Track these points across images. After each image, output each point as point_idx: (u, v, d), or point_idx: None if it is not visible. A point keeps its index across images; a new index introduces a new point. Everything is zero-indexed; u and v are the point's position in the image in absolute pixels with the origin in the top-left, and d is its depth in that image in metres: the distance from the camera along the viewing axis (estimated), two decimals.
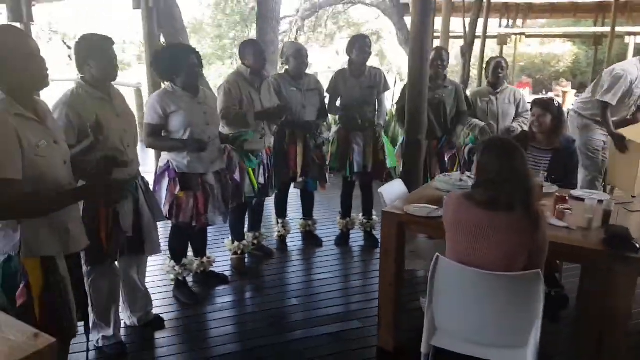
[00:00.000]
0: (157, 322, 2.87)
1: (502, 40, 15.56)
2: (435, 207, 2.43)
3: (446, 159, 3.95)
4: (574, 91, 15.55)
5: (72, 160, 1.91)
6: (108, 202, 2.16)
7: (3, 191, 1.54)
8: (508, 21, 15.84)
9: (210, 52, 14.41)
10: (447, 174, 2.81)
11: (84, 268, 2.30)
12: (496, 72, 4.04)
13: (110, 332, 2.58)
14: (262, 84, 3.46)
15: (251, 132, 3.23)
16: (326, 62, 19.17)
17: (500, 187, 1.86)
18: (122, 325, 2.74)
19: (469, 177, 2.67)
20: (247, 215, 3.78)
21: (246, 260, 3.79)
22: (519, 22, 15.88)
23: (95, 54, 2.29)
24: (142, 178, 2.63)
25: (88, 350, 2.20)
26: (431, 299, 1.98)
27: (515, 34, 15.26)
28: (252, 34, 13.37)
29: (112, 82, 2.41)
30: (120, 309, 2.71)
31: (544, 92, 17.17)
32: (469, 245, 1.89)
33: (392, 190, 2.90)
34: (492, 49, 17.74)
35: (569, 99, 14.84)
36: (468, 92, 4.33)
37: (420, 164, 3.52)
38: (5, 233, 1.66)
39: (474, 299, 1.89)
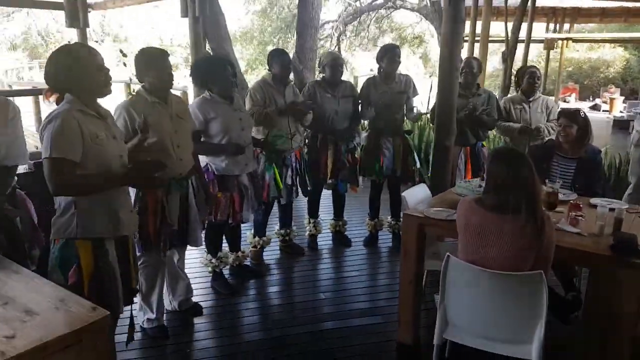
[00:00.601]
0: (196, 309, 3.14)
1: (549, 45, 15.27)
2: (453, 210, 2.56)
3: (484, 167, 4.03)
4: (622, 98, 15.10)
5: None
6: (147, 186, 2.41)
7: (62, 169, 1.85)
8: (555, 25, 15.51)
9: (254, 57, 14.86)
10: (467, 180, 2.94)
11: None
12: (531, 81, 4.07)
13: (153, 315, 2.85)
14: (287, 88, 3.69)
15: (284, 136, 3.52)
16: (369, 65, 19.33)
17: (508, 193, 2.00)
18: (164, 309, 3.01)
19: None
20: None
21: (278, 256, 4.05)
22: (566, 26, 15.52)
23: (153, 65, 2.59)
24: (197, 177, 2.90)
25: (132, 330, 2.42)
26: (443, 295, 2.14)
27: (562, 39, 14.94)
28: (295, 39, 13.72)
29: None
30: (164, 295, 2.98)
31: (591, 99, 16.74)
32: (478, 247, 2.04)
33: (415, 194, 3.05)
34: (536, 53, 17.43)
35: (617, 106, 14.44)
36: (501, 100, 4.39)
37: (447, 169, 3.64)
38: (65, 219, 1.96)
39: (482, 296, 2.03)
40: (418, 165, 4.12)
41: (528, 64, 6.19)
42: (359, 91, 4.09)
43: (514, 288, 1.97)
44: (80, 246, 1.98)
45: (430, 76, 21.37)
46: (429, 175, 4.17)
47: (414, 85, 4.04)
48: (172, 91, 2.77)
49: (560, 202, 2.71)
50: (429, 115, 4.69)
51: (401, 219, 4.17)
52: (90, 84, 1.97)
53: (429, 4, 10.96)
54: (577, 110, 3.27)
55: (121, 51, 5.52)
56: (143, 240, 2.60)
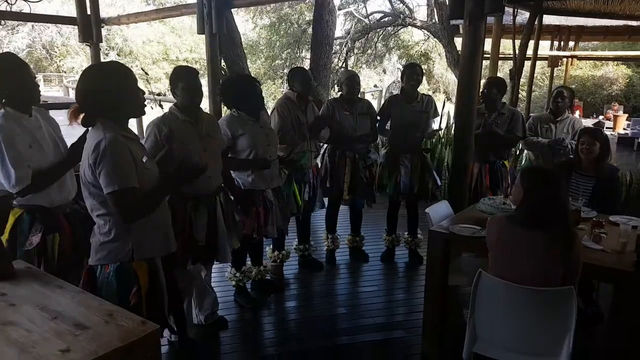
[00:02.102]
0: (222, 323, 3.20)
1: (553, 62, 15.41)
2: (478, 227, 2.63)
3: (503, 185, 4.11)
4: (626, 115, 15.19)
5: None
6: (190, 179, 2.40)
7: (131, 197, 1.87)
8: (560, 43, 15.67)
9: (262, 71, 15.03)
10: (491, 197, 3.00)
11: None
12: (555, 101, 4.13)
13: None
14: (308, 106, 3.79)
15: (307, 153, 3.62)
16: (373, 81, 19.48)
17: (540, 209, 2.07)
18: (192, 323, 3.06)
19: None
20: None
21: (296, 270, 4.10)
22: (571, 44, 15.68)
23: (181, 82, 2.68)
24: (225, 194, 2.97)
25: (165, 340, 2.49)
26: (473, 310, 2.19)
27: (567, 57, 15.08)
28: (303, 55, 13.88)
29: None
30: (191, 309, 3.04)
31: (594, 116, 16.83)
32: (509, 262, 2.10)
33: (438, 211, 3.11)
34: (540, 71, 17.58)
35: (621, 123, 14.51)
36: (529, 119, 4.43)
37: (465, 187, 3.70)
38: (119, 243, 1.97)
39: (512, 311, 2.09)
40: (439, 183, 4.17)
41: (535, 81, 6.25)
42: (380, 107, 4.18)
43: (546, 303, 2.03)
44: (138, 267, 2.00)
45: (433, 92, 21.59)
46: (444, 195, 4.23)
47: (435, 106, 4.12)
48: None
49: (582, 219, 2.77)
50: (441, 133, 4.74)
51: (418, 236, 4.29)
52: (127, 105, 1.96)
53: (437, 21, 11.10)
54: (599, 129, 3.34)
55: (143, 69, 5.62)
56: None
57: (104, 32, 6.66)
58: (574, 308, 1.96)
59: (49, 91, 19.30)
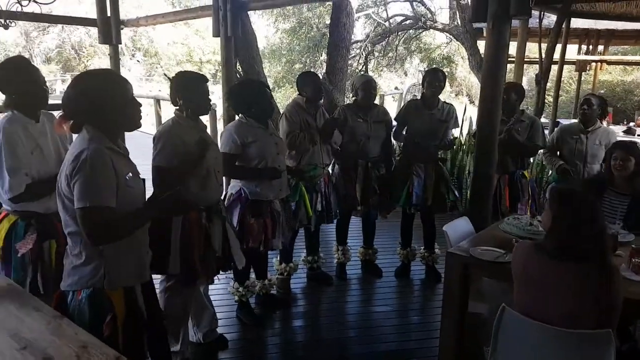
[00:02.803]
0: (221, 341, 3.00)
1: (581, 67, 14.93)
2: (502, 251, 2.38)
3: (524, 197, 3.85)
4: None
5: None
6: (176, 212, 2.33)
7: (102, 216, 1.67)
8: (588, 47, 15.17)
9: (281, 75, 14.92)
10: (516, 216, 2.75)
11: (160, 285, 2.49)
12: (582, 108, 3.80)
13: (177, 347, 2.71)
14: (318, 112, 3.60)
15: (319, 168, 3.46)
16: (394, 83, 19.25)
17: (573, 239, 1.81)
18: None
19: (539, 221, 2.59)
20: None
21: (304, 284, 3.88)
22: (600, 48, 15.16)
23: (190, 90, 2.53)
24: (222, 202, 2.83)
25: None
26: (495, 348, 1.94)
27: (596, 61, 14.58)
28: (323, 58, 13.71)
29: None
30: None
31: (625, 122, 16.25)
32: (537, 298, 1.85)
33: (457, 229, 2.87)
34: (567, 75, 17.09)
35: None
36: (556, 129, 4.15)
37: (488, 199, 3.44)
38: (90, 267, 1.78)
39: (540, 353, 1.83)
40: (457, 195, 3.92)
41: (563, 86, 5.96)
42: (398, 112, 3.96)
43: (579, 347, 1.77)
44: (113, 294, 1.80)
45: (456, 95, 21.22)
46: (465, 205, 3.97)
47: (456, 116, 3.87)
48: None
49: (617, 244, 2.49)
50: (462, 140, 4.48)
51: (435, 251, 4.03)
52: (119, 118, 1.79)
53: (459, 24, 10.79)
54: (634, 143, 3.05)
55: (165, 74, 5.53)
56: (186, 274, 2.50)
57: (130, 33, 6.62)
58: (612, 355, 1.71)
59: None
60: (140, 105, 1.85)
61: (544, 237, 1.98)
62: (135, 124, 1.85)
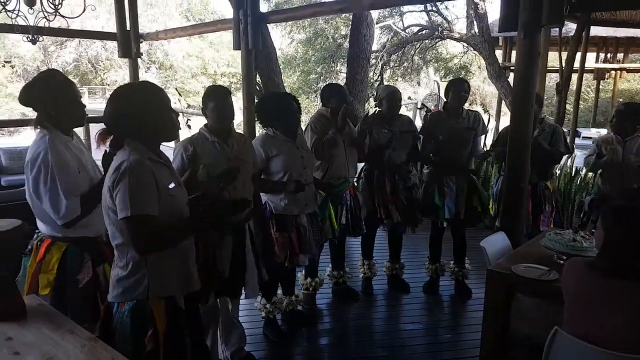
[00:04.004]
0: None
1: (599, 75, 14.74)
2: (546, 268, 2.28)
3: (547, 209, 3.75)
4: None
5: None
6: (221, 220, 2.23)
7: (145, 225, 1.65)
8: (606, 55, 14.99)
9: (297, 86, 14.96)
10: (557, 231, 2.64)
11: None
12: (614, 118, 3.67)
13: None
14: None
15: (349, 180, 3.37)
16: (407, 93, 19.22)
17: (629, 257, 1.72)
18: None
19: (583, 237, 2.49)
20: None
21: (330, 299, 3.79)
22: (619, 56, 14.97)
23: (212, 104, 2.50)
24: (256, 221, 2.74)
25: None
26: None
27: (615, 69, 14.39)
28: (338, 69, 13.71)
29: None
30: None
31: None
32: (592, 320, 1.75)
33: (495, 244, 2.77)
34: (585, 83, 16.90)
35: None
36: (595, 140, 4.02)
37: (521, 213, 3.34)
38: (135, 279, 1.75)
39: None
40: (491, 208, 3.82)
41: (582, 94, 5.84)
42: (422, 125, 3.89)
43: None
44: (154, 307, 1.75)
45: (470, 104, 21.11)
46: (495, 217, 3.87)
47: (484, 122, 3.79)
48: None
49: None
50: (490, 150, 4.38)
51: (465, 265, 3.92)
52: (160, 128, 1.78)
53: (476, 33, 10.72)
54: None
55: (177, 89, 5.55)
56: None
57: (145, 47, 6.67)
58: None
59: (92, 103, 19.92)
60: (178, 114, 1.84)
61: (597, 255, 1.88)
62: (173, 134, 1.83)
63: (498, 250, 2.70)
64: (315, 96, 14.21)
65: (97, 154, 2.17)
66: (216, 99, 2.52)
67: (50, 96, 2.08)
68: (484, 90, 21.62)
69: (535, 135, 3.57)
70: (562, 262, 2.40)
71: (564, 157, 4.35)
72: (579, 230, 2.57)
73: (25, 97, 2.10)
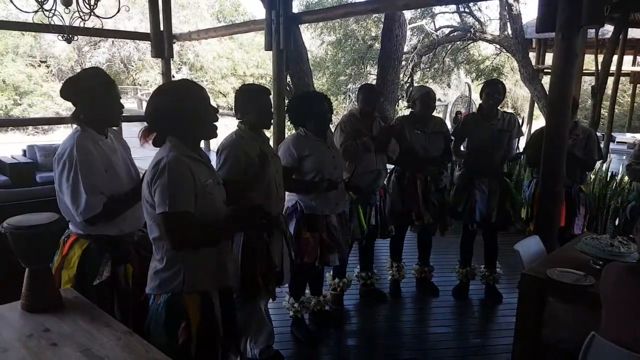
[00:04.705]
0: (277, 358, 2.93)
1: (636, 78, 14.30)
2: (582, 273, 2.22)
3: (580, 212, 3.66)
4: None
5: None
6: (259, 227, 2.27)
7: (181, 221, 1.69)
8: None
9: (326, 87, 14.99)
10: (594, 236, 2.57)
11: None
12: None
13: None
14: (373, 123, 3.53)
15: (381, 173, 3.38)
16: (437, 96, 19.05)
17: None
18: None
19: (620, 242, 2.42)
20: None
21: (357, 301, 3.78)
22: None
23: (253, 103, 2.53)
24: (283, 216, 2.81)
25: None
26: None
27: None
28: (368, 70, 13.67)
29: None
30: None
31: None
32: (631, 327, 1.69)
33: (529, 248, 2.71)
34: (621, 87, 16.41)
35: None
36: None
37: (556, 217, 3.26)
38: (171, 273, 1.79)
39: None
40: (523, 212, 3.75)
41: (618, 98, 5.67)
42: (455, 127, 3.86)
43: None
44: (189, 300, 1.80)
45: (501, 107, 20.69)
46: (527, 221, 3.80)
47: (519, 125, 3.73)
48: None
49: None
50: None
51: (497, 270, 3.86)
52: (199, 125, 1.81)
53: (509, 35, 10.53)
54: None
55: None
56: (249, 288, 2.47)
57: (177, 48, 6.78)
58: None
59: (124, 103, 20.36)
60: (217, 111, 1.86)
61: (638, 260, 1.82)
62: (213, 132, 1.87)
63: (532, 254, 2.65)
64: (344, 98, 14.22)
65: (141, 152, 2.18)
66: (264, 96, 2.56)
67: (90, 94, 2.09)
68: (515, 93, 21.24)
69: (569, 145, 3.51)
70: (598, 267, 2.35)
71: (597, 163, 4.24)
72: (617, 235, 2.49)
73: (66, 91, 2.12)
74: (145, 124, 1.87)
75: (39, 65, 19.03)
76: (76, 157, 2.00)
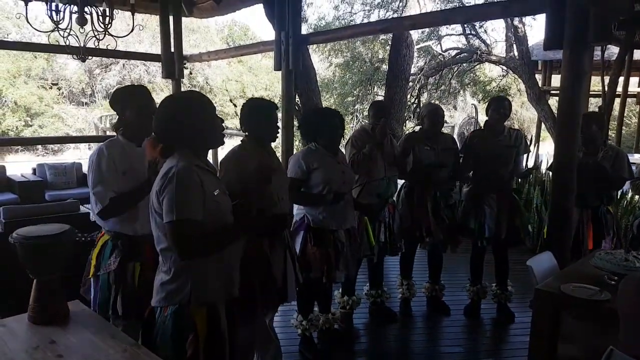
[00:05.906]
0: None
1: None
2: (597, 288, 2.18)
3: (609, 234, 3.59)
4: None
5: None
6: (268, 233, 2.33)
7: (189, 229, 1.68)
8: None
9: (333, 107, 15.07)
10: (608, 251, 2.53)
11: None
12: None
13: None
14: (385, 138, 3.50)
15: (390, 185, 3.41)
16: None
17: None
18: None
19: (635, 256, 2.38)
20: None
21: (366, 319, 3.72)
22: None
23: (260, 117, 2.54)
24: (287, 231, 2.76)
25: None
26: None
27: None
28: (375, 91, 13.77)
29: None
30: None
31: None
32: None
33: (542, 263, 2.67)
34: (628, 109, 16.36)
35: None
36: None
37: (568, 233, 3.21)
38: (178, 284, 1.77)
39: None
40: (529, 231, 3.70)
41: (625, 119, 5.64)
42: (462, 144, 3.85)
43: None
44: (196, 312, 1.77)
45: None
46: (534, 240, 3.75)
47: (526, 141, 3.72)
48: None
49: None
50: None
51: (508, 288, 3.79)
52: (206, 135, 1.83)
53: (516, 56, 10.59)
54: None
55: None
56: (244, 303, 2.40)
57: (186, 71, 6.89)
58: None
59: None
60: (223, 121, 1.89)
61: None
62: (219, 141, 1.89)
63: (545, 270, 2.60)
64: (352, 118, 14.28)
65: None
66: (271, 110, 2.58)
67: (133, 106, 2.33)
68: (522, 115, 21.22)
69: (599, 158, 3.48)
70: (613, 282, 2.30)
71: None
72: (631, 250, 2.45)
73: (113, 101, 2.39)
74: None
75: (51, 88, 19.29)
76: (96, 158, 2.27)
